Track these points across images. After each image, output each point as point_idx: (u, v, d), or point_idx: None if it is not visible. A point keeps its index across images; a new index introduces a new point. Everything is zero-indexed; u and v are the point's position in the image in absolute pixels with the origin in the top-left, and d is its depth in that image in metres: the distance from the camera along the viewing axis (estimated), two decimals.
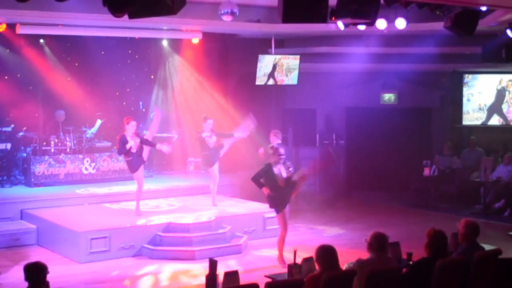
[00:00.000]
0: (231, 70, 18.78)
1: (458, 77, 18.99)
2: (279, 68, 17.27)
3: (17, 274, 10.22)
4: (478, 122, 18.93)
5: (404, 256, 8.52)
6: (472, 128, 19.04)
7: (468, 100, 18.93)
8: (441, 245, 7.52)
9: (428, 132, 19.30)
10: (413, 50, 17.10)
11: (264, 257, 11.88)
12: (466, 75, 18.89)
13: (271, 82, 17.34)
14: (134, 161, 13.15)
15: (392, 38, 16.45)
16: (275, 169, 11.12)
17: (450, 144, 18.14)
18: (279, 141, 14.28)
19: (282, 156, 11.18)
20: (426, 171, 16.94)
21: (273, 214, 13.40)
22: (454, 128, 19.25)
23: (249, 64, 17.29)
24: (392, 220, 15.21)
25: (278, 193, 11.13)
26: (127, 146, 12.97)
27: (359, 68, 17.84)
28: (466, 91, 18.91)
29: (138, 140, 13.09)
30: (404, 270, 7.64)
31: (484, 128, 18.95)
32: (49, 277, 6.63)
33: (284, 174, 11.14)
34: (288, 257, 10.35)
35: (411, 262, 8.26)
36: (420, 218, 15.42)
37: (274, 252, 12.04)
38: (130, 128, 13.07)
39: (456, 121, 19.12)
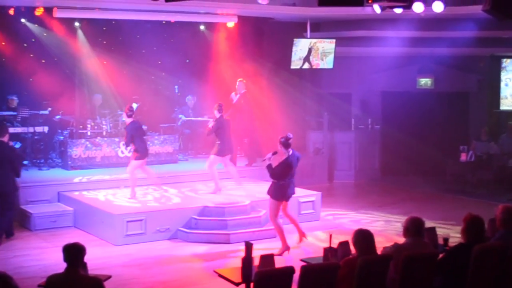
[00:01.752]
0: (266, 54, 18.75)
1: (496, 61, 18.78)
2: (314, 52, 17.23)
3: (55, 255, 10.37)
4: None
5: (441, 242, 8.48)
6: (510, 113, 18.82)
7: (506, 85, 18.71)
8: (478, 231, 7.46)
9: (465, 117, 19.15)
10: (450, 34, 16.96)
11: (299, 241, 11.85)
12: (504, 60, 18.68)
13: (306, 66, 17.30)
14: None
15: (429, 22, 16.30)
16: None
17: (487, 129, 17.95)
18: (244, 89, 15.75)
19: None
20: (463, 157, 16.80)
21: (309, 198, 13.61)
22: (491, 113, 19.07)
23: (284, 48, 17.27)
24: (428, 205, 15.14)
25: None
26: None
27: (395, 52, 17.75)
28: (504, 75, 18.70)
29: None
30: (441, 255, 7.61)
31: None
32: (86, 259, 6.71)
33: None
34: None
35: (447, 248, 8.23)
36: (456, 204, 15.33)
37: (310, 236, 12.12)
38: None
39: (494, 106, 18.93)
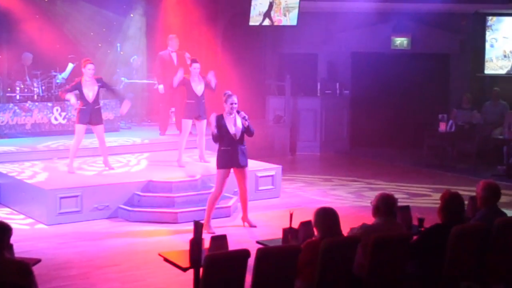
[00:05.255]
0: (221, 9, 18.63)
1: (481, 19, 18.89)
2: (276, 6, 17.17)
3: None
4: (503, 71, 18.90)
5: (415, 222, 8.51)
6: (495, 78, 19.02)
7: (492, 46, 18.86)
8: (457, 210, 7.52)
9: (445, 82, 19.27)
10: None
11: (256, 221, 11.85)
12: (490, 18, 18.80)
13: (266, 22, 17.25)
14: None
15: None
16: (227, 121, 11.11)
17: (469, 96, 18.07)
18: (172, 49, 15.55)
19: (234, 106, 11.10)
20: (442, 127, 16.89)
21: (268, 172, 13.59)
22: (474, 78, 19.21)
23: (242, 2, 17.15)
24: (402, 181, 15.23)
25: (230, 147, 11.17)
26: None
27: (367, 7, 17.76)
28: (489, 35, 18.83)
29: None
30: (415, 237, 7.65)
31: (509, 78, 18.91)
32: (12, 240, 6.62)
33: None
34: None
35: (422, 229, 8.27)
36: (434, 179, 15.46)
37: (268, 215, 12.12)
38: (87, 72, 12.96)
39: (477, 70, 19.07)
